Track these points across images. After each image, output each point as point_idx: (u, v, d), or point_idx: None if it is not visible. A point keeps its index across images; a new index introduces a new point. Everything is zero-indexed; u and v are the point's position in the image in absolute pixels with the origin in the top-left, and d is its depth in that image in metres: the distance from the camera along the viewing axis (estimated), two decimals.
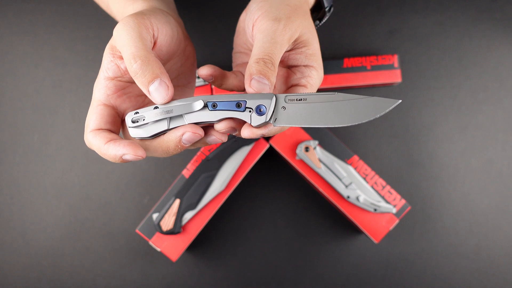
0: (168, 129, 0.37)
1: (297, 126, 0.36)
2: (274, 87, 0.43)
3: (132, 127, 0.38)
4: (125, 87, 0.40)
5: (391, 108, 0.34)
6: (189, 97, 0.37)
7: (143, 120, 0.37)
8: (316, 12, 0.47)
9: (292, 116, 0.36)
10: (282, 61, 0.42)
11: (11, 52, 0.68)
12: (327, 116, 0.35)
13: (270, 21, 0.38)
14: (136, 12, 0.39)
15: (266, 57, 0.37)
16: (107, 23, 0.68)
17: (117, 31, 0.37)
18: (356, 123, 0.35)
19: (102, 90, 0.39)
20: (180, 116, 0.37)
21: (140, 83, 0.36)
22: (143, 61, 0.36)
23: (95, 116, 0.38)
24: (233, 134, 0.39)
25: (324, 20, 0.48)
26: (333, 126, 0.35)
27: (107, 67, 0.38)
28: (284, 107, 0.36)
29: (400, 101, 0.34)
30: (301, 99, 0.36)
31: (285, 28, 0.38)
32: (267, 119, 0.36)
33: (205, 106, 0.37)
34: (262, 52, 0.37)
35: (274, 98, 0.36)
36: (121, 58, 0.38)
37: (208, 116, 0.37)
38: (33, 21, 0.69)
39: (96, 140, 0.37)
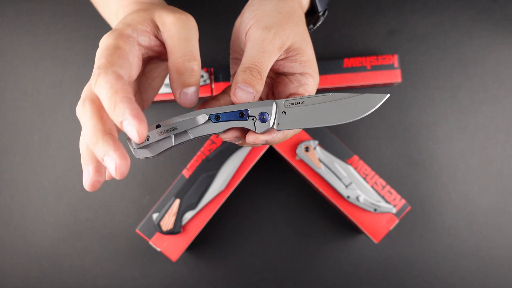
0: (174, 146, 0.38)
1: (298, 128, 0.37)
2: (273, 95, 0.43)
3: (137, 148, 0.38)
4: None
5: (381, 102, 0.36)
6: (190, 112, 0.38)
7: (147, 140, 0.37)
8: (310, 16, 0.47)
9: (293, 119, 0.37)
10: (277, 69, 0.41)
11: (11, 52, 0.68)
12: (325, 116, 0.37)
13: (260, 30, 0.39)
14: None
15: (253, 66, 0.37)
16: (107, 23, 0.68)
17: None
18: (352, 120, 0.37)
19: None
20: (185, 131, 0.37)
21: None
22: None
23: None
24: (237, 143, 0.39)
25: (318, 24, 0.48)
26: (332, 125, 0.37)
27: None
28: (284, 112, 0.37)
29: (389, 95, 0.36)
30: (299, 102, 0.37)
31: (275, 37, 0.38)
32: (271, 125, 0.37)
33: (209, 119, 0.37)
34: (249, 61, 0.37)
35: (274, 104, 0.37)
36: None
37: (212, 128, 0.38)
38: (33, 21, 0.69)
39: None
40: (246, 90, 0.37)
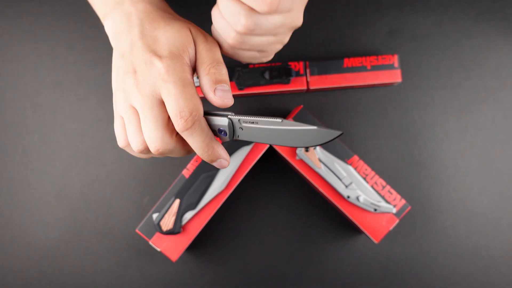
0: None
1: (256, 142, 0.40)
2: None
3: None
4: None
5: (330, 139, 0.36)
6: None
7: None
8: None
9: (250, 135, 0.40)
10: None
11: (11, 52, 0.68)
12: (275, 138, 0.39)
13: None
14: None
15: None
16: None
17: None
18: (301, 147, 0.40)
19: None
20: None
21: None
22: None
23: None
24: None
25: None
26: (282, 146, 0.39)
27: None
28: (241, 128, 0.40)
29: (341, 132, 0.36)
30: (253, 122, 0.39)
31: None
32: (230, 139, 0.41)
33: None
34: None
35: (229, 121, 0.40)
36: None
37: None
38: (33, 21, 0.69)
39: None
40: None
